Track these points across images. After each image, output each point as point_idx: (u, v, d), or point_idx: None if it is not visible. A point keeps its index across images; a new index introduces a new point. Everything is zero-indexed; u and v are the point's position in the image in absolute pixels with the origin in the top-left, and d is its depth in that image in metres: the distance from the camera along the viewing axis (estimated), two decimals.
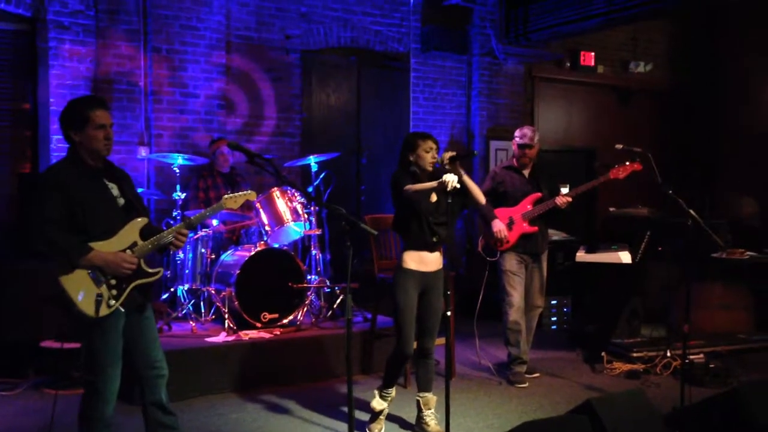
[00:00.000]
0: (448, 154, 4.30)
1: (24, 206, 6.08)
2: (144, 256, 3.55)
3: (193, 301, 6.14)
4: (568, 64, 9.88)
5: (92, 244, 3.41)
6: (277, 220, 6.10)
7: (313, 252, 6.57)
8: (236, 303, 5.78)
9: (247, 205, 6.51)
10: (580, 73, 9.94)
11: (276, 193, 6.13)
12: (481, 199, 4.54)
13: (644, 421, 3.82)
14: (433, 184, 4.20)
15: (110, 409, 3.53)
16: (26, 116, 6.76)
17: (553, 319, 7.79)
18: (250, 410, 5.05)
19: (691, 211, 4.74)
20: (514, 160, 5.94)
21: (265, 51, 7.67)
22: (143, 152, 6.89)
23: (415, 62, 8.67)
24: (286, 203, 6.12)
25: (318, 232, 6.54)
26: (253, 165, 3.69)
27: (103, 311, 3.41)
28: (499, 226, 5.69)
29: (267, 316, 5.91)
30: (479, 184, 5.64)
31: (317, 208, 6.54)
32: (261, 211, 6.14)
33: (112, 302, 3.44)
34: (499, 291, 5.83)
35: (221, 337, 5.63)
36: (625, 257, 6.86)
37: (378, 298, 5.85)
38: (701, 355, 6.07)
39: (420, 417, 4.65)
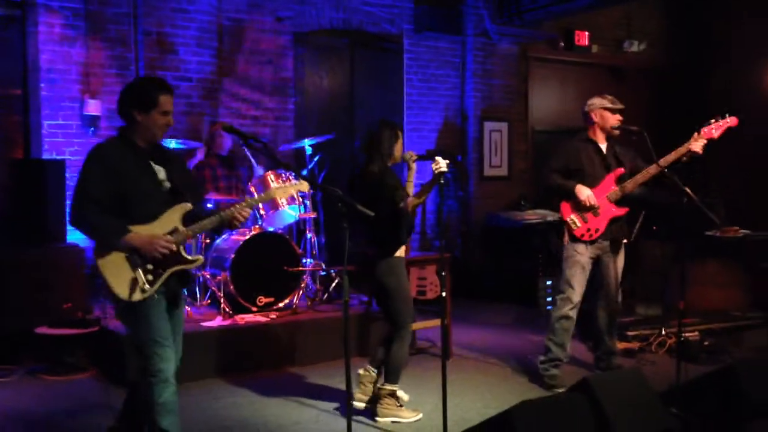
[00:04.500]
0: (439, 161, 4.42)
1: (18, 193, 6.02)
2: (183, 243, 3.51)
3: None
4: (562, 44, 9.82)
5: (132, 228, 3.38)
6: (271, 203, 6.08)
7: (308, 235, 6.56)
8: (231, 287, 5.77)
9: (241, 190, 6.48)
10: (574, 53, 9.88)
11: (271, 176, 6.10)
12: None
13: (641, 398, 3.83)
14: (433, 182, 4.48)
15: (170, 393, 3.45)
16: (17, 102, 6.69)
17: (548, 299, 7.79)
18: (247, 394, 5.05)
19: (687, 189, 4.73)
20: (598, 130, 5.13)
21: (256, 33, 7.60)
22: None
23: (409, 43, 8.61)
24: None
25: (313, 215, 6.53)
26: (247, 148, 3.67)
27: (137, 296, 3.37)
28: (586, 192, 4.98)
29: (263, 300, 5.91)
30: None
31: (312, 191, 6.51)
32: (255, 194, 6.11)
33: (147, 287, 3.39)
34: (559, 280, 5.27)
35: (217, 322, 5.63)
36: None
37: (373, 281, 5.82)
38: (696, 333, 6.09)
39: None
